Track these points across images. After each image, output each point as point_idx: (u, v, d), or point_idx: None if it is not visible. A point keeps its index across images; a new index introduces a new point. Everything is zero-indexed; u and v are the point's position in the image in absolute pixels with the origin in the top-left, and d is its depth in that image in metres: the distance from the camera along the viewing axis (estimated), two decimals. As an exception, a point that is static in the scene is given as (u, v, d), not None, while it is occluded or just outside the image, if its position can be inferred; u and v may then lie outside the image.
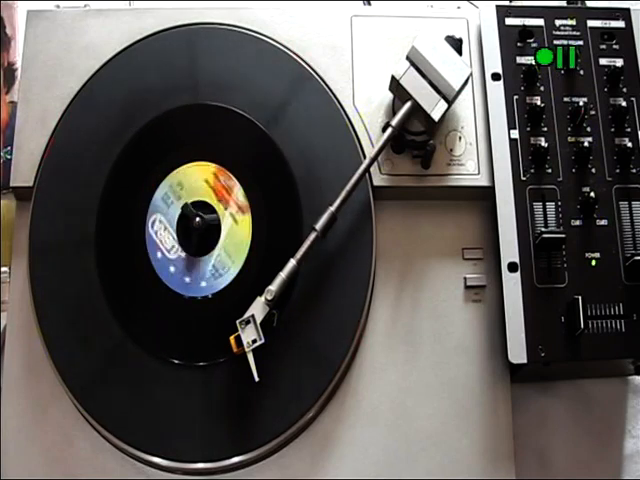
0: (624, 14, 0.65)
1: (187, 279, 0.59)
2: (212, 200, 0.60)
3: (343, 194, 0.57)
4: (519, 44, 0.64)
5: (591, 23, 0.65)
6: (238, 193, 0.60)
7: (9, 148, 0.70)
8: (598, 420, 0.65)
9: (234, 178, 0.60)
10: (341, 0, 0.72)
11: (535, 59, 0.63)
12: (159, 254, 0.59)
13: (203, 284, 0.59)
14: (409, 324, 0.60)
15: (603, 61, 0.64)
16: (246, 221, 0.60)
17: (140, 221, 0.60)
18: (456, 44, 0.61)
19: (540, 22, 0.64)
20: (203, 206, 0.60)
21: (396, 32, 0.65)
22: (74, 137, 0.62)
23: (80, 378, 0.57)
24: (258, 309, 0.54)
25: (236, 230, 0.60)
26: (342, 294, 0.58)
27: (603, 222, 0.60)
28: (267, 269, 0.56)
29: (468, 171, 0.62)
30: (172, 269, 0.59)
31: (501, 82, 0.63)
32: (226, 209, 0.60)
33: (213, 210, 0.60)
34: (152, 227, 0.60)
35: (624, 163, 0.61)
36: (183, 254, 0.59)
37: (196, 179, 0.61)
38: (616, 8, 0.65)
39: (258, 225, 0.60)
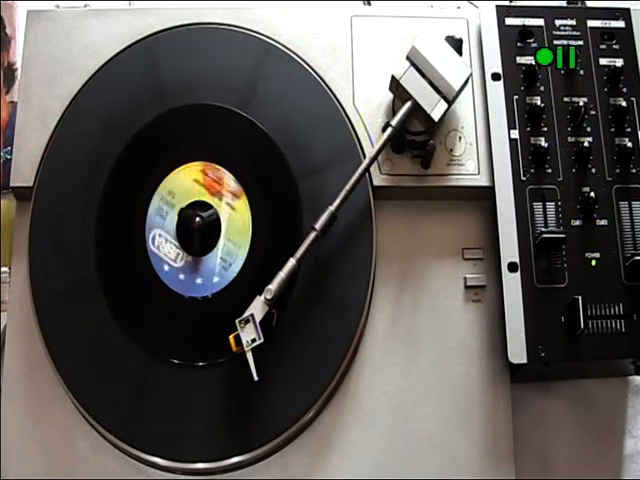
0: (624, 14, 0.65)
1: (199, 280, 0.59)
2: (206, 197, 0.60)
3: (343, 194, 0.57)
4: (519, 44, 0.64)
5: (591, 23, 0.65)
6: (229, 180, 0.60)
7: (9, 148, 0.70)
8: (598, 420, 0.65)
9: (223, 169, 0.60)
10: (341, 0, 0.72)
11: (535, 59, 0.63)
12: (166, 267, 0.59)
13: (215, 279, 0.58)
14: (409, 324, 0.60)
15: (603, 61, 0.64)
16: (243, 204, 0.60)
17: (140, 241, 0.60)
18: (456, 44, 0.61)
19: (540, 22, 0.64)
20: (198, 205, 0.60)
21: (396, 32, 0.65)
22: (74, 137, 0.62)
23: (80, 378, 0.57)
24: (257, 308, 0.54)
25: (235, 217, 0.60)
26: (342, 294, 0.58)
27: (603, 222, 0.60)
28: (267, 268, 0.56)
29: (468, 171, 0.62)
30: (182, 277, 0.59)
31: (501, 82, 0.63)
32: (221, 200, 0.60)
33: (209, 206, 0.60)
34: (153, 244, 0.60)
35: (624, 163, 0.61)
36: (190, 258, 0.59)
37: (185, 182, 0.60)
38: (616, 8, 0.65)
39: (256, 207, 0.60)
